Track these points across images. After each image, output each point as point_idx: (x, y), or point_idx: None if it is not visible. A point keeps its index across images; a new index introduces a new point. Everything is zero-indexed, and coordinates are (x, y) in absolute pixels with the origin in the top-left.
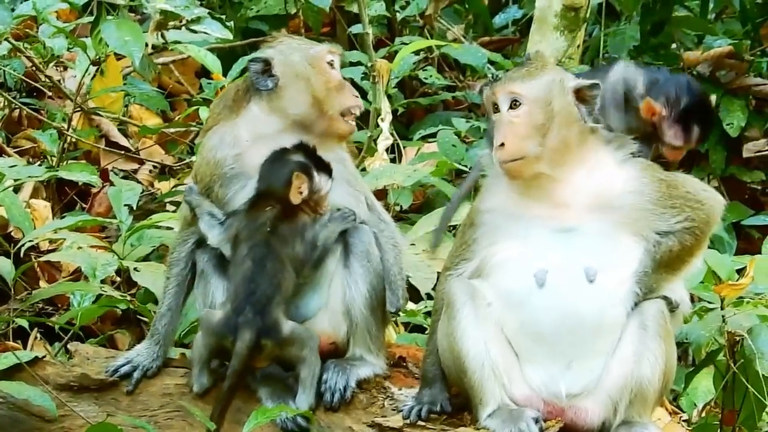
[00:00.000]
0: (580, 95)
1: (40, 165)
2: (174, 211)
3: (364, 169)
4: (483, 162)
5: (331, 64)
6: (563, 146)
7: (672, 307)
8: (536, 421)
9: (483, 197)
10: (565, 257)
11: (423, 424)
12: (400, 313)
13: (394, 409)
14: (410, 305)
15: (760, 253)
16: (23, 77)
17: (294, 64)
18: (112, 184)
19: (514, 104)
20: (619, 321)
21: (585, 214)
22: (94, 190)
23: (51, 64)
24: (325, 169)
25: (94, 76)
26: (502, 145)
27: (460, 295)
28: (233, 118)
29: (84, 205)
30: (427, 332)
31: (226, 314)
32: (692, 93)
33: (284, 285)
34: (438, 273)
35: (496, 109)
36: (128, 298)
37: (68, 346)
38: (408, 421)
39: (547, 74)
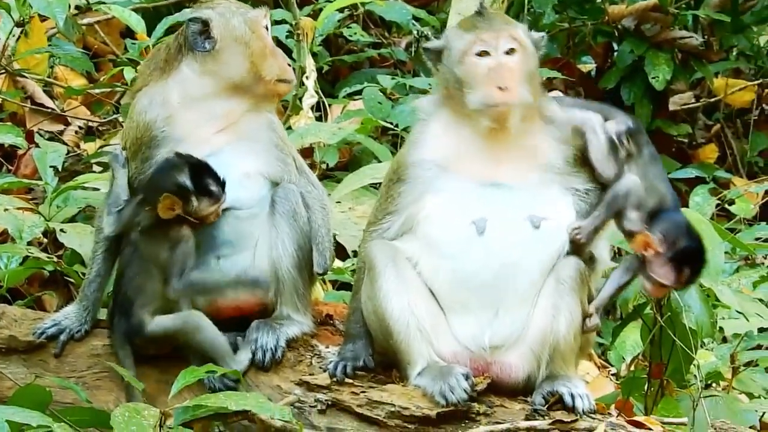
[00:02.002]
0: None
1: None
2: (101, 172)
3: (289, 128)
4: (423, 108)
5: (267, 28)
6: (534, 100)
7: (592, 262)
8: (466, 377)
9: (410, 151)
10: (504, 206)
11: (351, 381)
12: (329, 273)
13: (321, 367)
14: (337, 263)
15: (687, 206)
16: None
17: (234, 27)
18: (37, 145)
19: (510, 51)
20: (551, 269)
21: (519, 172)
22: (20, 152)
23: None
24: (210, 193)
25: (19, 37)
26: (505, 87)
27: (380, 258)
28: (164, 78)
29: (10, 167)
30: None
31: (108, 313)
32: (691, 236)
33: (147, 288)
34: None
35: (483, 54)
36: (55, 259)
37: None
38: (335, 379)
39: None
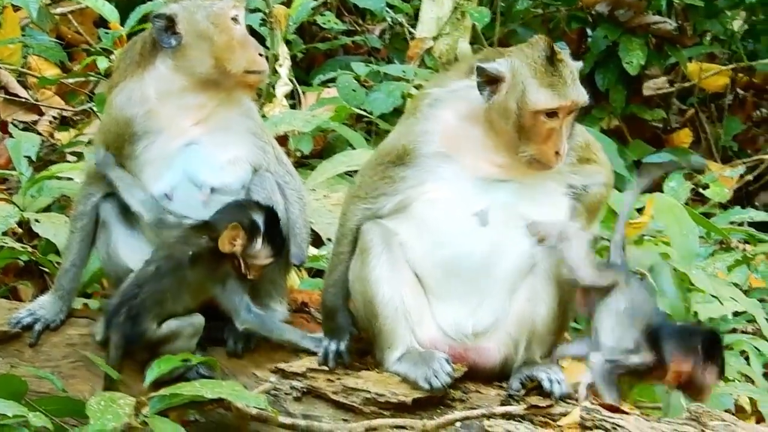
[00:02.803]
0: None
1: None
2: (75, 162)
3: (263, 116)
4: (437, 95)
5: (235, 19)
6: None
7: None
8: (447, 362)
9: (420, 138)
10: (501, 200)
11: (327, 368)
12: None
13: (297, 355)
14: (313, 250)
15: (661, 191)
16: None
17: (197, 22)
18: (11, 135)
19: (572, 111)
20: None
21: (522, 172)
22: None
23: None
24: (275, 244)
25: None
26: (562, 155)
27: (376, 241)
28: (140, 73)
29: None
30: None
31: (111, 304)
32: (698, 331)
33: (167, 307)
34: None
35: (552, 116)
36: (30, 249)
37: None
38: (328, 367)
39: None
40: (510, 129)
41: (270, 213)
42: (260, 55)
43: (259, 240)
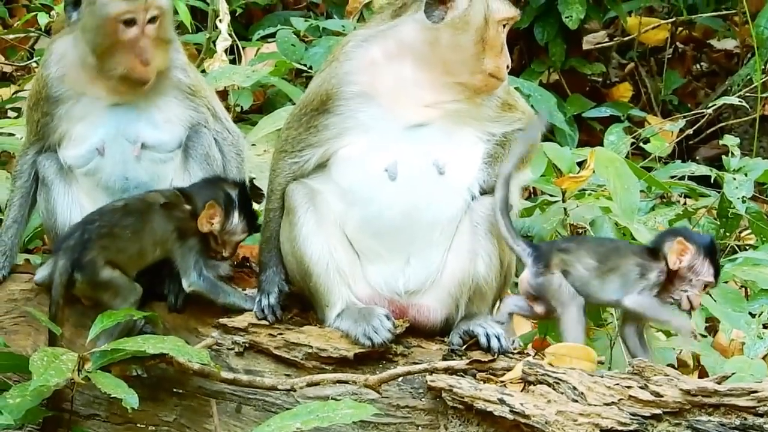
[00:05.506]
0: None
1: None
2: (15, 118)
3: (203, 71)
4: (361, 35)
5: (128, 22)
6: None
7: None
8: (387, 318)
9: (344, 80)
10: (414, 150)
11: (268, 323)
12: None
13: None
14: (254, 206)
15: (602, 145)
16: None
17: (89, 13)
18: None
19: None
20: (459, 215)
21: (435, 112)
22: None
23: None
24: (248, 219)
25: None
26: (509, 66)
27: (301, 201)
28: (68, 32)
29: None
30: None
31: (66, 232)
32: (700, 234)
33: (120, 245)
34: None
35: (504, 26)
36: None
37: None
38: (267, 321)
39: None
40: (469, 45)
41: (243, 189)
42: (144, 64)
43: (236, 213)
